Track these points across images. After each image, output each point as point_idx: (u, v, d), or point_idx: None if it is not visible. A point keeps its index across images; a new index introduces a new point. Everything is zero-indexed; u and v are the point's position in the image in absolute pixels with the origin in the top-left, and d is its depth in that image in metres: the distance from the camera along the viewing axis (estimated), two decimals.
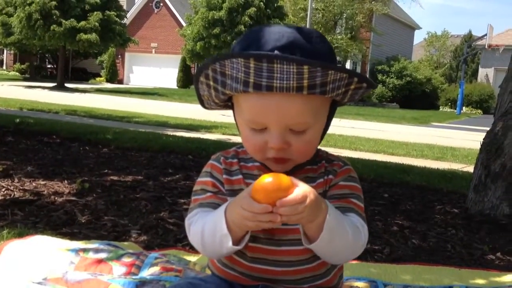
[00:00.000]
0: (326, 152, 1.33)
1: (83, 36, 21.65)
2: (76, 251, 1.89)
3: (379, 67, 30.69)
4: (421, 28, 40.75)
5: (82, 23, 21.72)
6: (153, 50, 35.05)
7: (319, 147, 1.29)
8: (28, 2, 21.28)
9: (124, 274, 1.76)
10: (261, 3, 24.67)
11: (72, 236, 2.32)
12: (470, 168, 4.67)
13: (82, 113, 10.42)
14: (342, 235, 1.14)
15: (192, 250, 2.10)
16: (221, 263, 1.30)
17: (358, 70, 32.02)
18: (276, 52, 1.09)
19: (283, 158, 1.19)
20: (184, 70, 32.95)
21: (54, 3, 21.27)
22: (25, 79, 29.63)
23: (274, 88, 1.09)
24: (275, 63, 1.06)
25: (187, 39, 26.42)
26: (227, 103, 1.26)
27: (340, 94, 1.17)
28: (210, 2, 25.17)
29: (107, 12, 22.68)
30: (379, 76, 30.28)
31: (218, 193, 1.27)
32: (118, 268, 1.80)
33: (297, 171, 1.24)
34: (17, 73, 34.29)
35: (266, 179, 1.06)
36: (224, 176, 1.29)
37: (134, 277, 1.72)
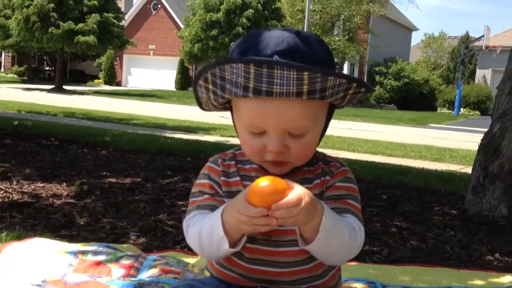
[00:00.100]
0: (323, 154, 1.34)
1: (81, 38, 21.64)
2: (75, 253, 1.89)
3: (377, 69, 30.75)
4: (418, 29, 40.85)
5: (80, 25, 21.71)
6: (151, 52, 35.05)
7: (317, 148, 1.29)
8: (26, 4, 21.28)
9: (122, 276, 1.76)
10: (259, 4, 24.67)
11: (71, 239, 2.32)
12: (468, 169, 4.67)
13: (80, 115, 10.41)
14: (338, 236, 1.15)
15: (191, 252, 2.10)
16: (219, 264, 1.30)
17: (356, 71, 32.08)
18: (276, 57, 1.10)
19: (281, 161, 1.20)
20: (182, 72, 32.96)
21: (52, 5, 21.29)
22: (23, 82, 29.61)
23: (274, 93, 1.09)
24: (275, 68, 1.07)
25: (185, 41, 26.41)
26: (226, 105, 1.27)
27: (339, 99, 1.18)
28: (207, 4, 25.18)
29: (105, 14, 22.68)
30: (377, 78, 30.34)
31: (216, 195, 1.28)
32: (116, 270, 1.80)
33: (295, 173, 1.25)
34: (15, 76, 34.24)
35: (262, 182, 1.07)
36: (222, 178, 1.29)
37: (132, 279, 1.72)
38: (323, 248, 1.15)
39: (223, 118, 10.08)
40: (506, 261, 2.53)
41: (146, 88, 31.03)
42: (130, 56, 34.82)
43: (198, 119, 10.95)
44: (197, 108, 1.35)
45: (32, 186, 3.35)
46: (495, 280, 2.11)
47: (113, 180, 3.73)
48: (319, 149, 1.32)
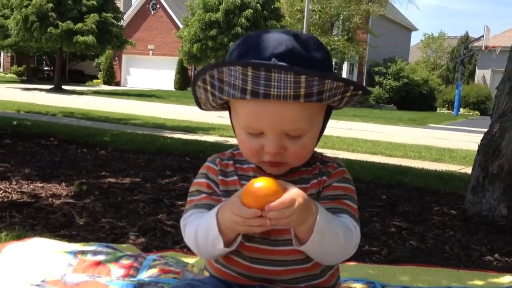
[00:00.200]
0: (321, 154, 1.34)
1: (80, 38, 21.62)
2: (75, 253, 1.89)
3: (376, 69, 30.75)
4: (418, 29, 40.93)
5: (79, 25, 21.69)
6: (150, 52, 35.03)
7: (315, 149, 1.30)
8: (24, 4, 21.26)
9: (122, 276, 1.76)
10: (258, 4, 24.65)
11: (70, 238, 2.32)
12: (468, 170, 4.68)
13: (80, 115, 10.40)
14: (333, 236, 1.15)
15: (190, 252, 2.09)
16: (219, 263, 1.31)
17: (355, 71, 32.09)
18: (273, 59, 1.11)
19: (278, 162, 1.21)
20: (181, 72, 32.94)
21: (50, 5, 21.26)
22: (22, 82, 29.58)
23: (272, 96, 1.10)
24: (273, 72, 1.08)
25: (184, 41, 26.39)
26: (224, 105, 1.27)
27: (336, 101, 1.19)
28: (206, 4, 25.17)
29: (104, 14, 22.66)
30: (376, 78, 30.35)
31: (213, 194, 1.29)
32: (116, 270, 1.80)
33: (292, 173, 1.26)
34: (14, 76, 34.20)
35: (256, 183, 1.08)
36: (219, 177, 1.30)
37: (132, 279, 1.72)
38: (318, 249, 1.16)
39: (222, 118, 10.08)
40: (506, 261, 2.53)
41: (145, 88, 31.02)
42: (129, 56, 34.81)
43: (197, 119, 10.95)
44: (196, 108, 1.35)
45: (32, 186, 3.35)
46: (495, 280, 2.11)
47: (112, 180, 3.73)
48: (319, 150, 1.33)
